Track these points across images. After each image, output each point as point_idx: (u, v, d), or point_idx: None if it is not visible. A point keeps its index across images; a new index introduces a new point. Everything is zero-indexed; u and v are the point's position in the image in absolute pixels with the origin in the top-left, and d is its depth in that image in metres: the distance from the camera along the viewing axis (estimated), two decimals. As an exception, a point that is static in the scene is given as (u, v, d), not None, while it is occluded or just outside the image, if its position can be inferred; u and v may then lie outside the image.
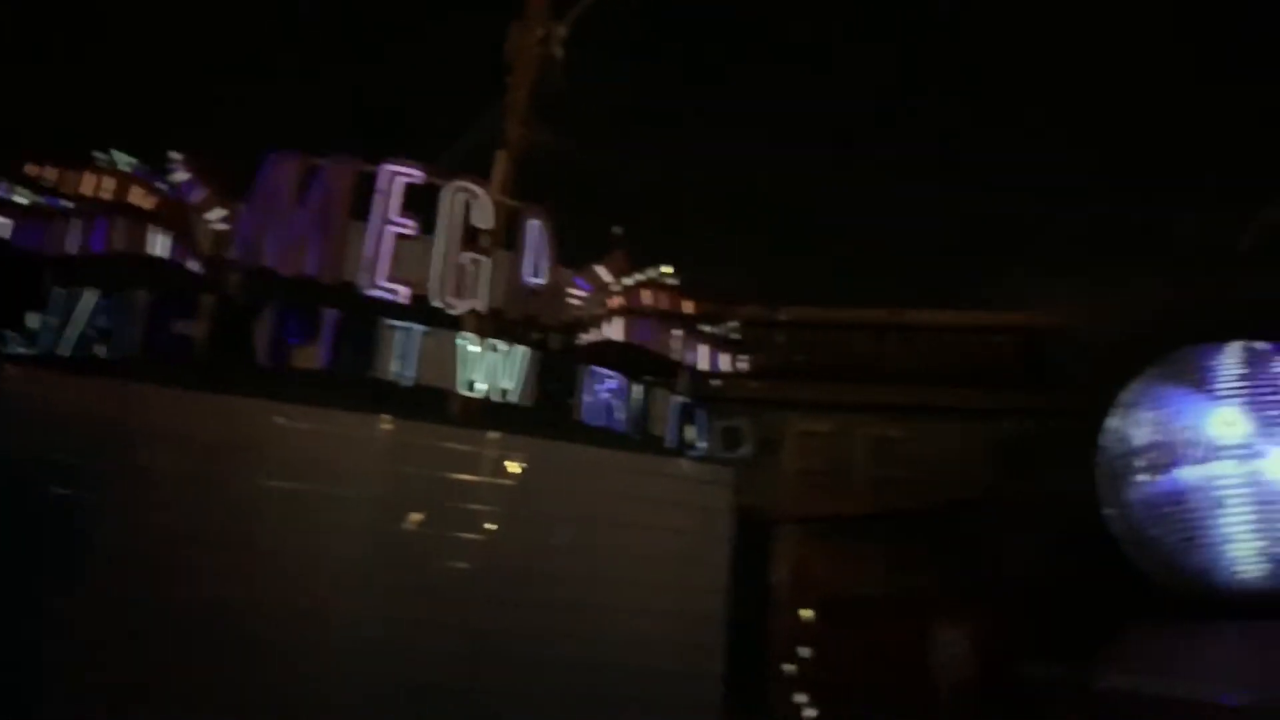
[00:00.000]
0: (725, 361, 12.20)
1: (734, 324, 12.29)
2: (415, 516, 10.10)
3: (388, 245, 10.54)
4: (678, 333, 11.80)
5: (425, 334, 10.40)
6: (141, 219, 10.09)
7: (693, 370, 12.04)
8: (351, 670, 9.64)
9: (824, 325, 15.63)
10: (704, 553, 11.00)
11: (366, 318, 10.31)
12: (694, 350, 11.94)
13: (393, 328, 10.31)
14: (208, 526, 9.51)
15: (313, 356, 10.15)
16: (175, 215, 10.25)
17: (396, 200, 10.67)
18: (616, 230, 11.89)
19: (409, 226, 10.66)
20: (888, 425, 14.82)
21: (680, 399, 11.74)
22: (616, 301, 11.63)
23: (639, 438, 11.35)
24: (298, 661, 9.51)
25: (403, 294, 10.53)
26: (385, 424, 10.16)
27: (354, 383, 10.28)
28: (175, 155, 10.46)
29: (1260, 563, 9.33)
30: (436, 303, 10.69)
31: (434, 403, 10.73)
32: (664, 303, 11.80)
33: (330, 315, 10.16)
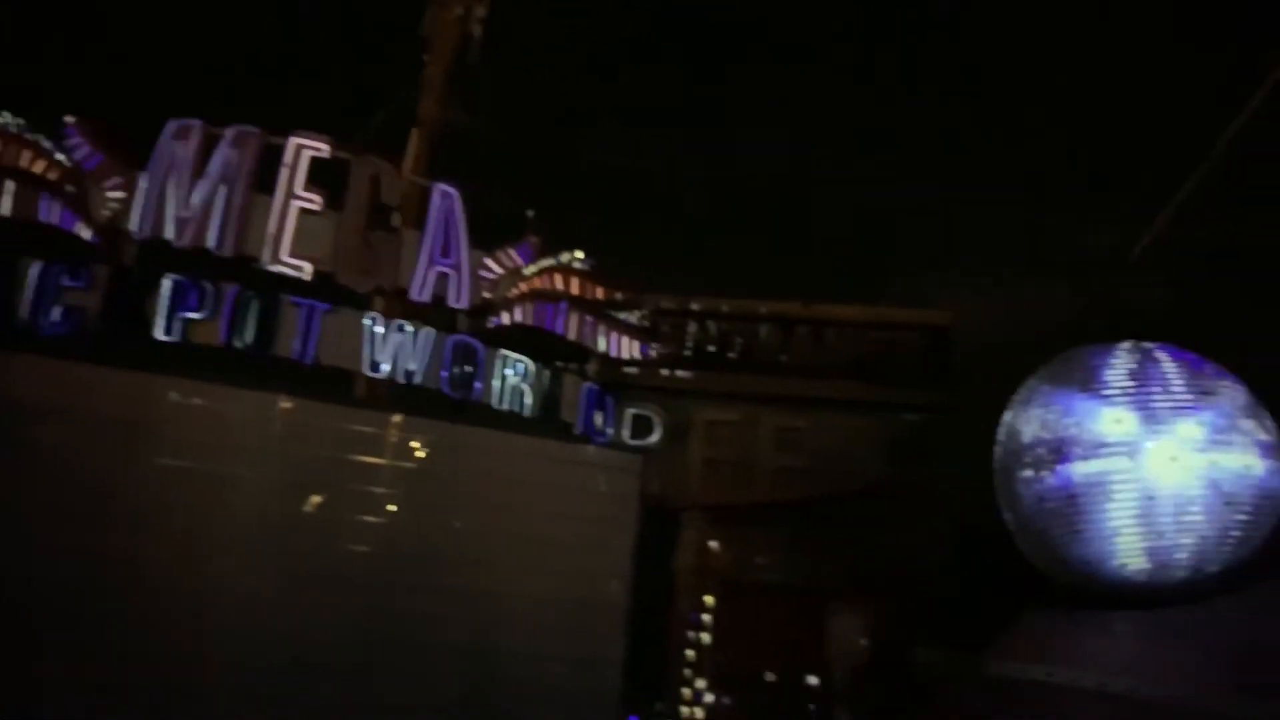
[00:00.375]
0: (636, 349, 12.18)
1: (646, 312, 12.29)
2: (314, 498, 9.91)
3: (292, 220, 10.30)
4: (589, 319, 11.75)
5: (328, 312, 10.20)
6: (32, 184, 9.69)
7: (603, 357, 12.01)
8: (245, 652, 9.43)
9: (735, 317, 15.77)
10: (609, 539, 10.99)
11: (268, 294, 10.07)
12: (605, 337, 11.90)
13: (295, 305, 10.09)
14: (96, 505, 9.20)
15: (211, 332, 9.90)
16: (69, 182, 9.86)
17: (302, 174, 10.43)
18: (530, 214, 11.79)
19: (314, 201, 10.43)
20: (793, 416, 15.03)
21: (590, 385, 11.70)
22: (528, 285, 11.53)
23: (547, 423, 11.28)
24: (188, 643, 9.26)
25: (306, 271, 10.31)
26: (284, 403, 9.94)
27: (257, 360, 10.06)
28: (69, 119, 10.06)
29: (1143, 555, 9.65)
30: (341, 281, 10.48)
31: (339, 383, 10.55)
32: (576, 288, 11.74)
33: (230, 290, 9.91)
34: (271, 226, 10.24)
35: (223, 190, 10.17)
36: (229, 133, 10.35)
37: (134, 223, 10.04)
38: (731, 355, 15.39)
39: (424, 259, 10.87)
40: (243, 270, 10.22)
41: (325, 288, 10.49)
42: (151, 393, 9.66)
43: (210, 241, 10.11)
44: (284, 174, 10.42)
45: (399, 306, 10.83)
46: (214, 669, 9.34)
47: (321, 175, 10.65)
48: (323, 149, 10.55)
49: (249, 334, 9.91)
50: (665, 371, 14.13)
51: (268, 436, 9.88)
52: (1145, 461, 9.38)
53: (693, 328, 15.36)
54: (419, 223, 11.23)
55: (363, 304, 10.67)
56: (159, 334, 9.70)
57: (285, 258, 10.23)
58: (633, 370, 13.49)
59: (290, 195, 10.36)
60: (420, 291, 10.84)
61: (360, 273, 10.56)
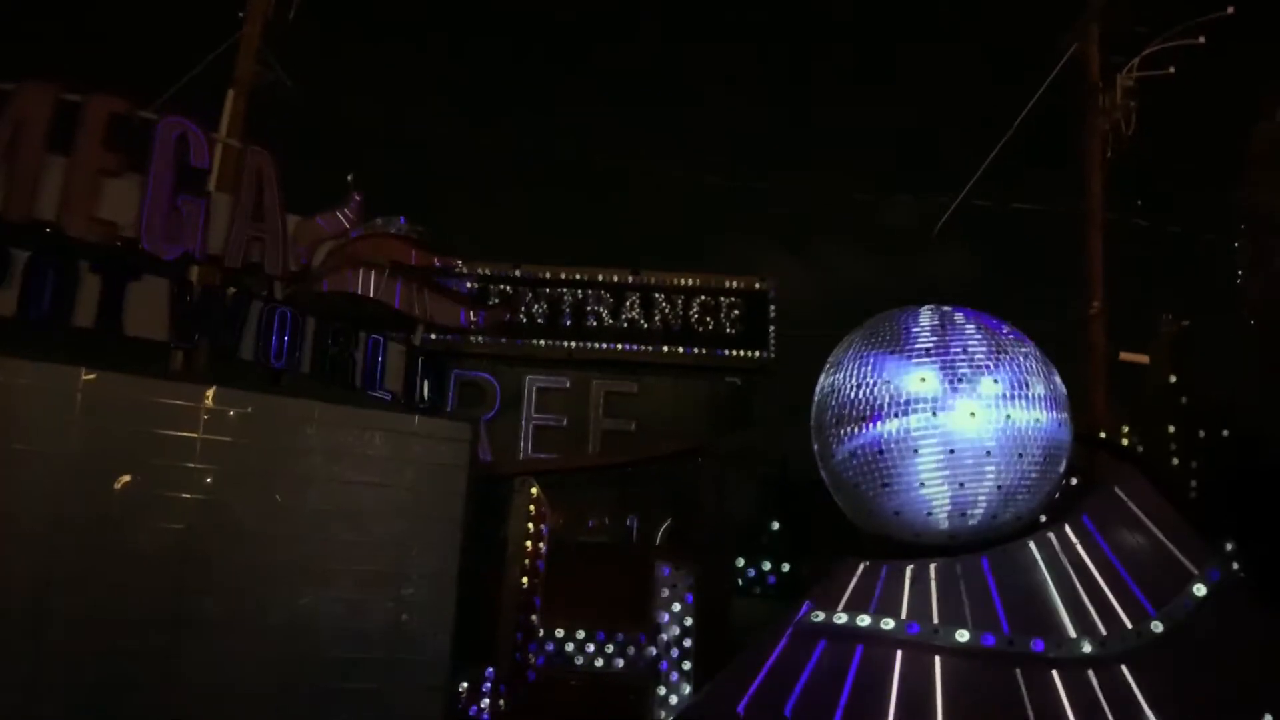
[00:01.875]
0: (463, 317, 12.11)
1: (474, 279, 12.23)
2: (122, 476, 9.47)
3: (90, 182, 9.74)
4: (415, 286, 11.59)
5: (133, 281, 9.72)
6: None
7: (431, 324, 11.88)
8: (46, 639, 9.03)
9: (564, 283, 15.92)
10: (437, 509, 10.89)
11: (66, 261, 9.53)
12: (431, 304, 11.77)
13: (95, 272, 9.57)
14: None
15: (3, 302, 9.32)
16: None
17: (101, 134, 9.87)
18: (350, 178, 11.51)
19: (115, 164, 9.89)
20: (622, 380, 15.38)
21: (416, 353, 11.56)
22: (351, 251, 11.28)
23: (372, 393, 11.10)
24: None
25: (107, 237, 9.79)
26: (87, 376, 9.43)
27: (62, 332, 9.54)
28: None
29: (946, 505, 10.15)
30: (147, 247, 10.00)
31: (157, 355, 10.13)
32: (401, 255, 11.56)
33: (21, 257, 9.33)
34: (69, 189, 9.68)
35: (9, 148, 9.55)
36: (18, 88, 9.71)
37: (-91, 183, 9.34)
38: (562, 322, 15.57)
39: (237, 224, 10.47)
40: (37, 236, 9.65)
41: (130, 255, 10.01)
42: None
43: (-4, 204, 9.49)
44: (82, 133, 9.86)
45: (211, 274, 10.43)
46: (10, 659, 8.89)
47: (127, 137, 10.12)
48: (124, 107, 10.01)
49: (44, 304, 9.38)
50: (482, 339, 14.16)
51: (68, 411, 9.36)
52: (947, 417, 9.88)
53: (523, 295, 15.43)
54: (233, 185, 10.83)
55: (172, 272, 10.23)
56: (-58, 304, 9.09)
57: (83, 222, 9.69)
58: (461, 338, 13.41)
59: (89, 157, 9.81)
60: (233, 258, 10.45)
61: (167, 239, 10.10)
